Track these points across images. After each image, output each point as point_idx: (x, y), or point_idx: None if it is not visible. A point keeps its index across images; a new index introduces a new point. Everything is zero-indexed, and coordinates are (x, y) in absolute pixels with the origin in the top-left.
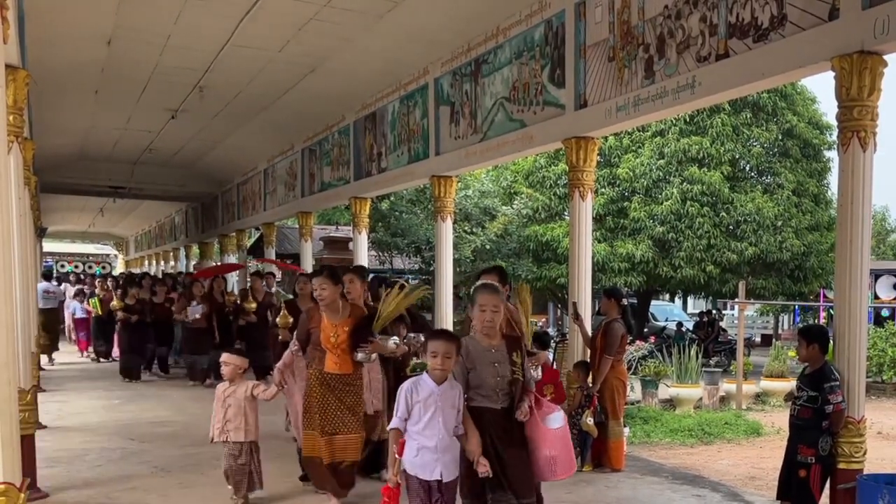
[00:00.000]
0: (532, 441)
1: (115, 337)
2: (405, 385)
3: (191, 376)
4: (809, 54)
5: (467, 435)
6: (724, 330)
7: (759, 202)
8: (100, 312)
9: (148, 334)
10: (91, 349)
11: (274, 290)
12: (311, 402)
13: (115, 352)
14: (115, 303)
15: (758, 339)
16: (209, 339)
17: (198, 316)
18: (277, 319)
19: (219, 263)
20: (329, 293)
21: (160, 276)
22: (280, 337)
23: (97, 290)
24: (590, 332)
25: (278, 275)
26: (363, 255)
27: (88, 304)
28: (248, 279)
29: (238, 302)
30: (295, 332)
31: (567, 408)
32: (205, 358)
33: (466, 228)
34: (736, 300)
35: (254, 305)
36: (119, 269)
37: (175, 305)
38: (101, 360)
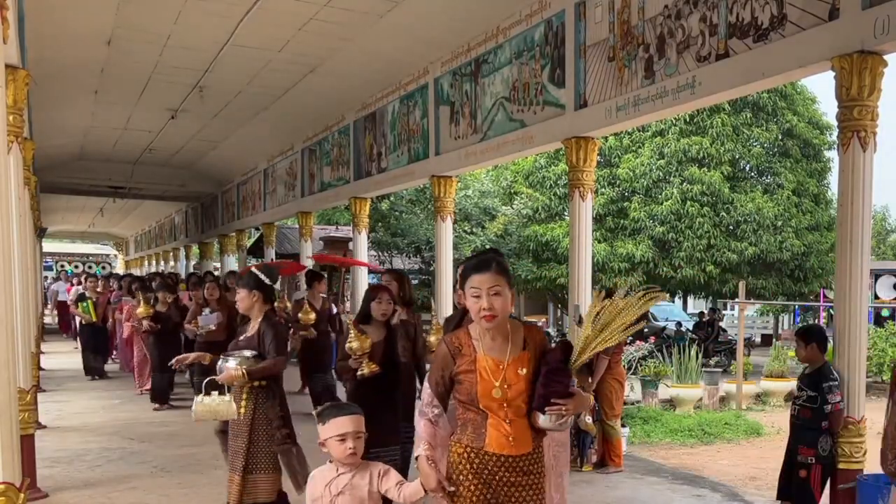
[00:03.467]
0: None
1: (126, 350)
2: None
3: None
4: (809, 54)
5: None
6: (724, 330)
7: (759, 202)
8: (94, 319)
9: (180, 348)
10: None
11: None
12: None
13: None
14: (141, 309)
15: (758, 339)
16: None
17: (212, 326)
18: (349, 344)
19: (274, 260)
20: (500, 305)
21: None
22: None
23: (88, 293)
24: None
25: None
26: (363, 255)
27: (79, 308)
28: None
29: (290, 312)
30: (427, 377)
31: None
32: None
33: (466, 228)
34: (736, 300)
35: (312, 316)
36: (119, 269)
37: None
38: (95, 377)
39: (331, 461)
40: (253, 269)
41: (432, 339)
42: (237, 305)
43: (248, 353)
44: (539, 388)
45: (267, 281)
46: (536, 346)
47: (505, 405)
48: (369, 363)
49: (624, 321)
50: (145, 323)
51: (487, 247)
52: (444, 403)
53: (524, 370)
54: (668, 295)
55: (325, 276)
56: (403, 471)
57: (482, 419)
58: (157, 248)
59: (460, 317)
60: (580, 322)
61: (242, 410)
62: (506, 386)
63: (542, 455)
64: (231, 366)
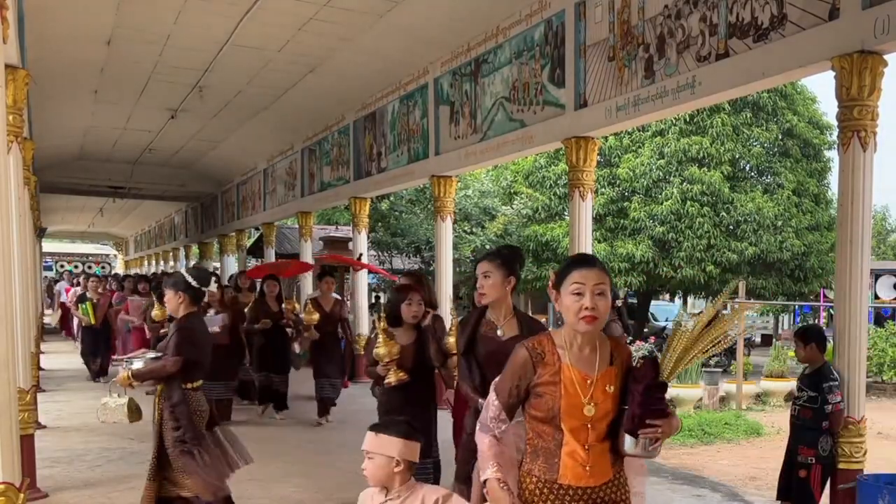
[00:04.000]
0: None
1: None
2: None
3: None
4: (809, 54)
5: None
6: None
7: (759, 202)
8: (92, 321)
9: None
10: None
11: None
12: None
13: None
14: (157, 311)
15: (758, 339)
16: (233, 359)
17: (217, 329)
18: (376, 350)
19: (278, 260)
20: (603, 307)
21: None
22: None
23: (89, 294)
24: None
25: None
26: (363, 255)
27: (78, 310)
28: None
29: (298, 313)
30: (494, 385)
31: None
32: (225, 386)
33: (466, 228)
34: (736, 300)
35: (316, 317)
36: (119, 269)
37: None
38: (98, 379)
39: None
40: (183, 270)
41: (452, 340)
42: (165, 306)
43: (150, 354)
44: (634, 409)
45: (194, 283)
46: (623, 362)
47: (588, 427)
48: (397, 371)
49: (718, 334)
50: (167, 325)
51: (487, 247)
52: (511, 417)
53: (612, 388)
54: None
55: (331, 273)
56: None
57: (556, 446)
58: (157, 248)
59: (477, 317)
60: None
61: (157, 415)
62: (592, 404)
63: (625, 480)
64: (134, 367)
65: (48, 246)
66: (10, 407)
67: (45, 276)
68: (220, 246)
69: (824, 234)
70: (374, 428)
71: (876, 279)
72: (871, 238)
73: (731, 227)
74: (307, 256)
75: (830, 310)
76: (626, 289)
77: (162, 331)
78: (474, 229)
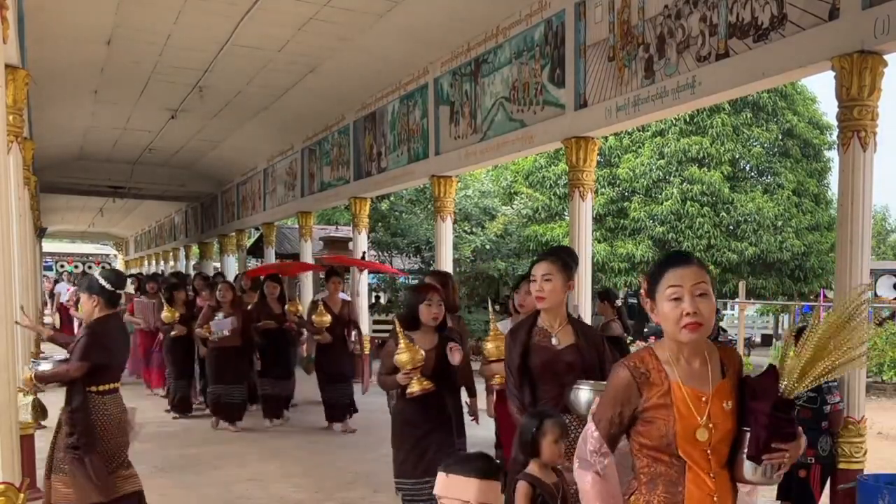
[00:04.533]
0: None
1: (157, 359)
2: None
3: (214, 412)
4: (809, 54)
5: None
6: (724, 330)
7: (759, 202)
8: None
9: (195, 354)
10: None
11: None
12: None
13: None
14: (166, 313)
15: (758, 339)
16: (243, 362)
17: (226, 332)
18: (398, 356)
19: (279, 261)
20: (708, 310)
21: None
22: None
23: None
24: None
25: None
26: (365, 253)
27: (77, 311)
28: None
29: (301, 315)
30: (592, 414)
31: None
32: (237, 389)
33: (466, 228)
34: (736, 300)
35: (328, 318)
36: (119, 269)
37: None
38: None
39: None
40: (96, 274)
41: (490, 346)
42: (81, 310)
43: (59, 356)
44: (758, 431)
45: (108, 286)
46: (736, 373)
47: (708, 451)
48: (420, 379)
49: (853, 342)
50: (178, 327)
51: (487, 247)
52: (613, 449)
53: (729, 404)
54: None
55: (338, 273)
56: None
57: (678, 473)
58: (157, 248)
59: (530, 324)
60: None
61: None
62: (710, 426)
63: None
64: (40, 369)
65: (48, 246)
66: (10, 407)
67: (46, 276)
68: (220, 246)
69: (824, 234)
70: (447, 467)
71: (876, 279)
72: (871, 238)
73: (731, 227)
74: (307, 256)
75: (830, 310)
76: (625, 289)
77: (173, 333)
78: (474, 229)
